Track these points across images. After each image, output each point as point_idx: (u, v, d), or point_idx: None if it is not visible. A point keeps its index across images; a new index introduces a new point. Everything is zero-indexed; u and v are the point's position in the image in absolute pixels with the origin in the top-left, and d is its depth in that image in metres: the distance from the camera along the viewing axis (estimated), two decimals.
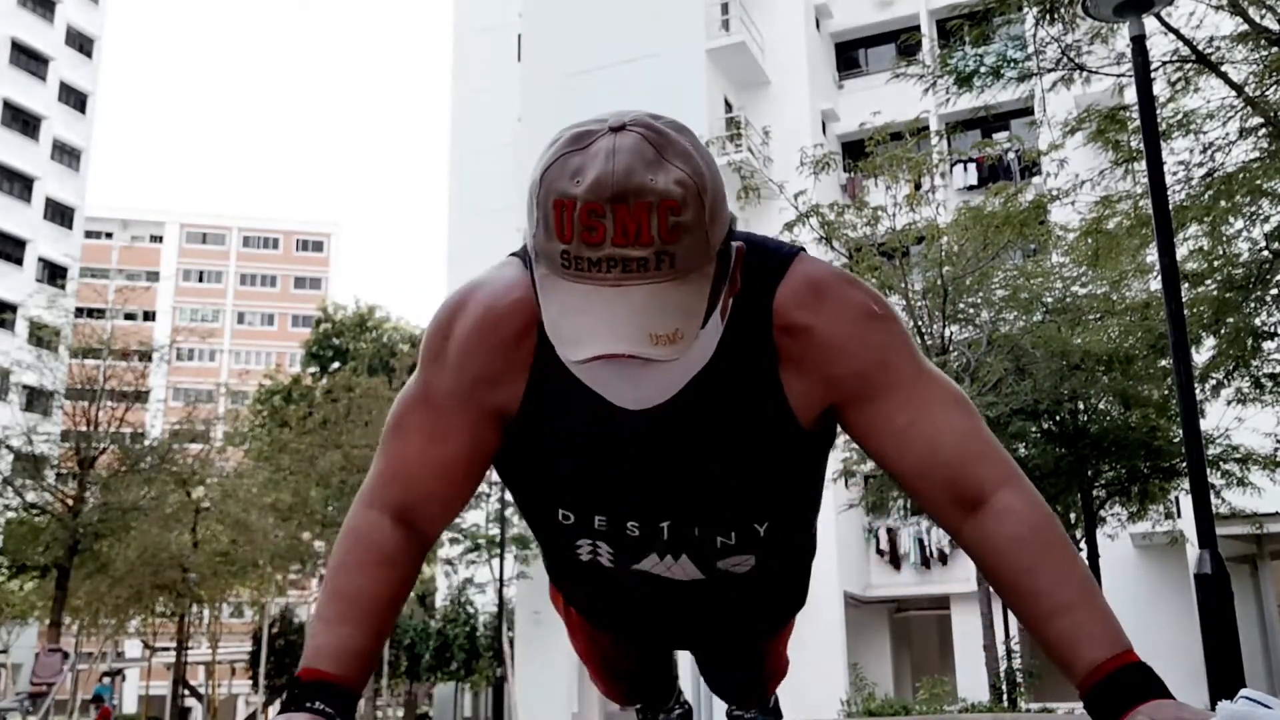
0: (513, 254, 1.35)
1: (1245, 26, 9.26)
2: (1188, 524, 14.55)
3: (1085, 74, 10.02)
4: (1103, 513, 14.99)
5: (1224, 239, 10.74)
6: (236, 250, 76.08)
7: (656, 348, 1.02)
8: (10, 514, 25.10)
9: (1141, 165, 9.15)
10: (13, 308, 35.58)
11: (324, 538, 28.34)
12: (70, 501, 24.21)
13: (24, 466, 24.48)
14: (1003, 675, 13.60)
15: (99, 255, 63.29)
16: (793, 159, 14.70)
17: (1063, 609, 1.15)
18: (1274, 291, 10.67)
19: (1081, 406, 14.33)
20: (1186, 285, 10.48)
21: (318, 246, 78.36)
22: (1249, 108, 9.45)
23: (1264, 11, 9.30)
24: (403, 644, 27.95)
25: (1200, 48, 9.27)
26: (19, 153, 42.49)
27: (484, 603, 27.06)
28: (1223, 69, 9.37)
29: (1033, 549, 1.19)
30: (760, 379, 1.25)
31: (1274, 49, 9.21)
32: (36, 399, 31.71)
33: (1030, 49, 9.97)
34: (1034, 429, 14.10)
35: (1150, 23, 7.93)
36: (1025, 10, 10.03)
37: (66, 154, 45.09)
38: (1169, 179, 8.87)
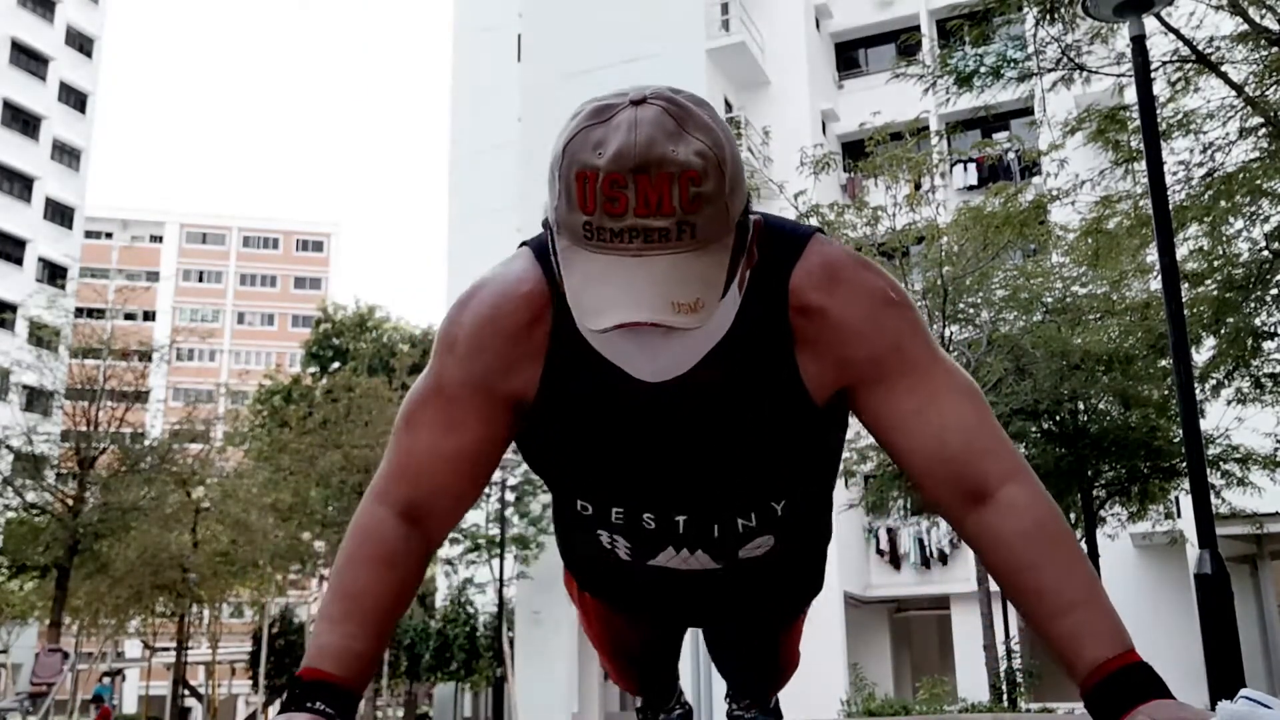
0: (524, 243, 1.36)
1: (1245, 26, 9.27)
2: (1188, 524, 14.56)
3: (1085, 74, 10.02)
4: (1103, 513, 15.00)
5: (1224, 239, 10.74)
6: (236, 250, 76.08)
7: (679, 316, 1.03)
8: (10, 514, 25.10)
9: (1141, 165, 9.15)
10: (13, 308, 35.58)
11: (324, 538, 28.34)
12: (70, 501, 24.21)
13: (24, 466, 24.48)
14: (1003, 675, 13.60)
15: (99, 255, 63.30)
16: (793, 159, 14.70)
17: (1066, 607, 1.15)
18: (1274, 291, 10.67)
19: (1081, 406, 14.33)
20: (1186, 285, 10.48)
21: (318, 246, 78.38)
22: (1249, 108, 9.45)
23: (1264, 11, 9.30)
24: (403, 644, 27.95)
25: (1200, 48, 9.27)
26: (19, 153, 42.49)
27: (484, 603, 27.06)
28: (1223, 69, 9.37)
29: (1037, 545, 1.18)
30: (775, 357, 1.26)
31: (1274, 49, 9.21)
32: (36, 399, 31.70)
33: (1030, 49, 9.97)
34: (1034, 429, 14.11)
35: (1150, 23, 7.93)
36: (1025, 10, 10.03)
37: (66, 154, 45.10)
38: (1169, 179, 8.87)
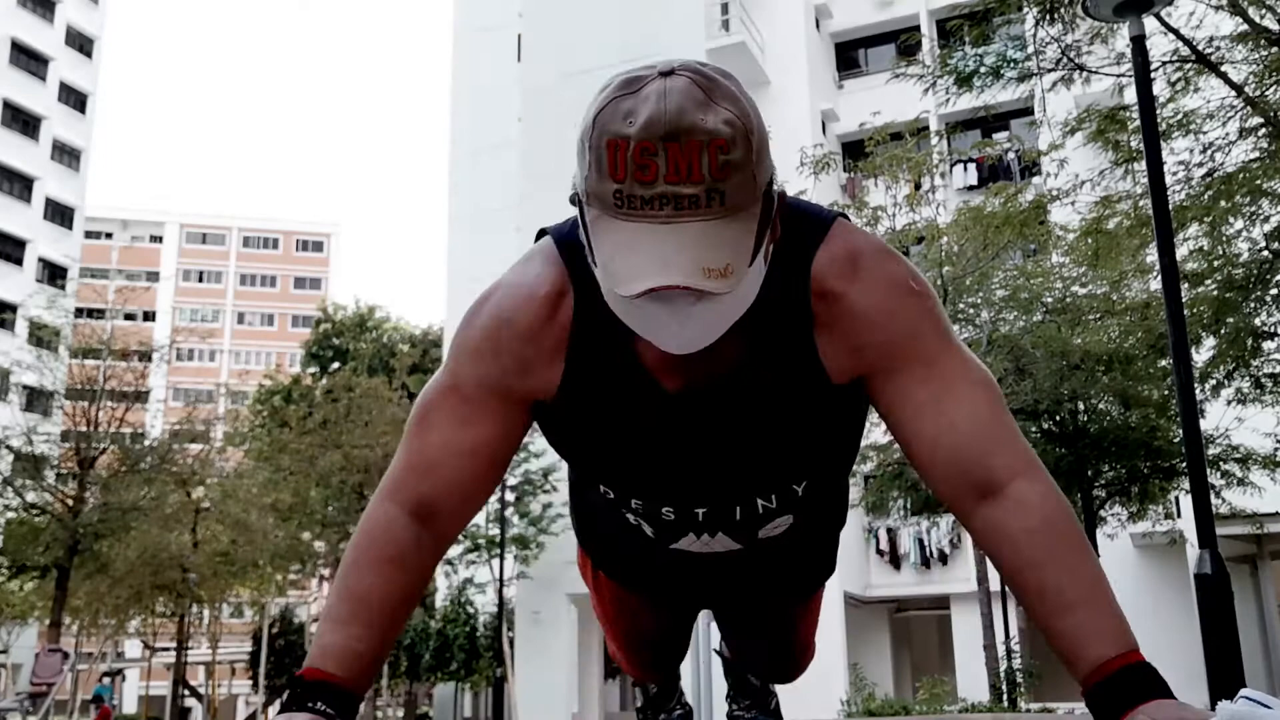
0: (543, 231, 1.37)
1: (1245, 26, 9.27)
2: (1188, 524, 14.55)
3: (1085, 74, 10.02)
4: (1103, 513, 15.00)
5: (1224, 239, 10.74)
6: (236, 250, 76.09)
7: (710, 280, 1.04)
8: (10, 514, 25.09)
9: (1141, 165, 9.16)
10: (13, 308, 35.59)
11: (324, 538, 28.36)
12: (70, 502, 24.22)
13: (24, 466, 24.48)
14: (1003, 675, 13.62)
15: (99, 255, 63.29)
16: (793, 159, 14.71)
17: (1070, 605, 1.15)
18: (1274, 291, 10.66)
19: (1081, 406, 14.34)
20: (1186, 285, 10.48)
21: (318, 246, 78.39)
22: (1249, 108, 9.45)
23: (1264, 11, 9.31)
24: (403, 644, 27.93)
25: (1200, 48, 9.27)
26: (19, 153, 42.50)
27: (484, 603, 27.05)
28: (1223, 69, 9.37)
29: (1044, 542, 1.18)
30: (795, 338, 1.27)
31: (1274, 49, 9.21)
32: (36, 399, 31.71)
33: (1030, 49, 9.97)
34: (1034, 429, 14.11)
35: (1150, 23, 7.93)
36: (1025, 10, 10.03)
37: (66, 154, 45.11)
38: (1169, 179, 8.88)
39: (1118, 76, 10.22)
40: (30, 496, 24.57)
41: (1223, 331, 10.92)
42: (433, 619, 27.65)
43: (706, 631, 6.28)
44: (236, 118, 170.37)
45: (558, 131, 25.86)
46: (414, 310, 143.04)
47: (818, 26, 27.92)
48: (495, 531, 22.96)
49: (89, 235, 56.53)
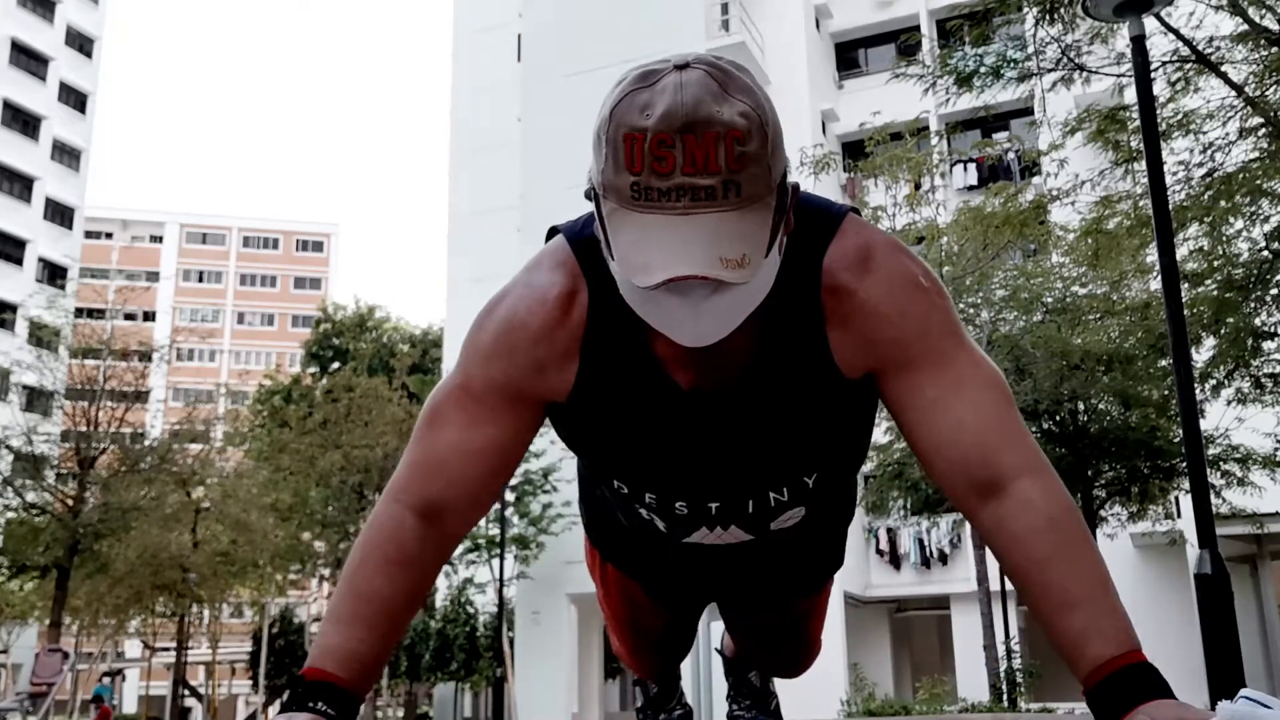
0: (554, 229, 1.37)
1: (1245, 26, 9.27)
2: (1188, 524, 14.56)
3: (1085, 74, 10.02)
4: (1103, 513, 15.01)
5: (1224, 239, 10.73)
6: (236, 250, 76.09)
7: (727, 270, 1.05)
8: (10, 514, 25.10)
9: (1141, 165, 9.16)
10: (13, 308, 35.60)
11: (324, 538, 28.37)
12: (70, 501, 24.23)
13: (24, 466, 24.50)
14: (1003, 675, 13.61)
15: (99, 255, 63.26)
16: (793, 159, 14.71)
17: (1072, 604, 1.14)
18: (1274, 291, 10.66)
19: (1081, 406, 14.34)
20: (1186, 285, 10.48)
21: (318, 246, 78.39)
22: (1249, 108, 9.45)
23: (1264, 11, 9.31)
24: (403, 644, 27.94)
25: (1200, 48, 9.27)
26: (19, 153, 42.50)
27: (484, 603, 27.03)
28: (1223, 69, 9.37)
29: (1048, 541, 1.18)
30: (807, 332, 1.27)
31: (1274, 49, 9.22)
32: (36, 399, 31.72)
33: (1030, 49, 9.97)
34: (1034, 429, 14.09)
35: (1150, 23, 7.93)
36: (1025, 10, 10.03)
37: (66, 154, 45.10)
38: (1169, 179, 8.88)
39: (1118, 76, 10.22)
40: (30, 496, 24.59)
41: (1223, 331, 10.92)
42: (433, 619, 27.63)
43: (706, 631, 6.27)
44: (236, 118, 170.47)
45: (557, 131, 25.86)
46: (414, 310, 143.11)
47: (818, 26, 27.92)
48: (495, 531, 22.96)
49: (89, 235, 56.54)
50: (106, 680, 33.25)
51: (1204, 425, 10.61)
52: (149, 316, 63.09)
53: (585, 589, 23.56)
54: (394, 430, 26.24)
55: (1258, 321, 11.03)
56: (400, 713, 35.76)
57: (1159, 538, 18.77)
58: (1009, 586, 15.73)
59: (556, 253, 1.32)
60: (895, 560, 24.05)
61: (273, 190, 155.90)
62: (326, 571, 31.67)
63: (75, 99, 45.64)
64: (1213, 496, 11.57)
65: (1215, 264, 10.96)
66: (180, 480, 25.74)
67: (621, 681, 28.43)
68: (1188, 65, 9.56)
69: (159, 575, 25.08)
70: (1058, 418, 14.25)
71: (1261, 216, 10.30)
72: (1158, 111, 8.49)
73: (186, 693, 34.60)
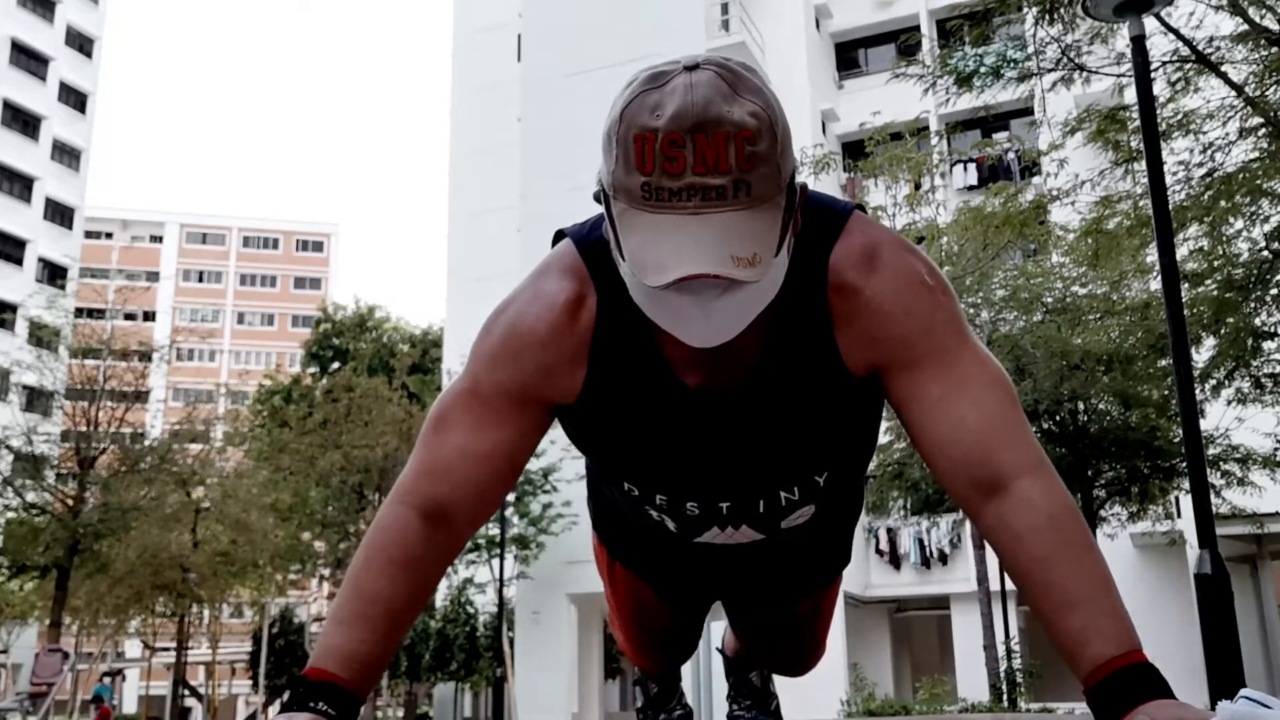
0: (560, 232, 1.38)
1: (1245, 26, 9.27)
2: (1188, 524, 14.56)
3: (1085, 74, 10.02)
4: (1103, 513, 15.01)
5: (1224, 239, 10.73)
6: (236, 250, 76.09)
7: (738, 269, 1.06)
8: (10, 514, 25.11)
9: (1141, 165, 9.16)
10: (13, 308, 35.60)
11: (324, 538, 28.36)
12: (70, 501, 24.24)
13: (24, 466, 24.50)
14: (1003, 675, 13.62)
15: (99, 255, 63.27)
16: None
17: (1073, 603, 1.15)
18: (1274, 291, 10.66)
19: (1081, 406, 14.34)
20: (1186, 285, 10.47)
21: (318, 246, 78.39)
22: (1249, 108, 9.45)
23: (1264, 11, 9.31)
24: (403, 644, 27.98)
25: (1200, 48, 9.27)
26: (19, 153, 42.50)
27: (484, 603, 27.03)
28: (1223, 69, 9.37)
29: (1049, 541, 1.18)
30: (814, 330, 1.28)
31: (1274, 49, 9.21)
32: (36, 399, 31.72)
33: (1030, 49, 9.97)
34: (1034, 429, 14.06)
35: (1150, 23, 7.93)
36: (1025, 10, 10.03)
37: (66, 154, 45.11)
38: (1169, 179, 8.88)
39: (1118, 76, 10.22)
40: (30, 496, 24.59)
41: (1223, 331, 10.91)
42: (433, 619, 27.63)
43: (707, 631, 6.28)
44: (236, 118, 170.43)
45: (558, 131, 25.88)
46: (414, 310, 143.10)
47: (818, 26, 27.92)
48: (495, 531, 22.96)
49: (89, 235, 56.54)
50: (106, 680, 33.26)
51: (1204, 425, 10.61)
52: (149, 316, 63.11)
53: (585, 589, 23.57)
54: (394, 430, 26.24)
55: (1258, 321, 11.02)
56: (400, 713, 35.77)
57: (1159, 538, 18.77)
58: (1009, 586, 15.72)
59: (564, 257, 1.32)
60: (895, 560, 24.05)
61: (273, 190, 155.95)
62: (326, 571, 31.69)
63: (75, 99, 45.65)
64: (1213, 496, 11.57)
65: (1215, 264, 10.96)
66: (180, 480, 25.74)
67: (621, 681, 28.43)
68: (1188, 65, 9.56)
69: (159, 575, 25.08)
70: (1058, 418, 14.25)
71: (1261, 216, 10.30)
72: (1158, 111, 8.49)
73: (186, 693, 34.60)
